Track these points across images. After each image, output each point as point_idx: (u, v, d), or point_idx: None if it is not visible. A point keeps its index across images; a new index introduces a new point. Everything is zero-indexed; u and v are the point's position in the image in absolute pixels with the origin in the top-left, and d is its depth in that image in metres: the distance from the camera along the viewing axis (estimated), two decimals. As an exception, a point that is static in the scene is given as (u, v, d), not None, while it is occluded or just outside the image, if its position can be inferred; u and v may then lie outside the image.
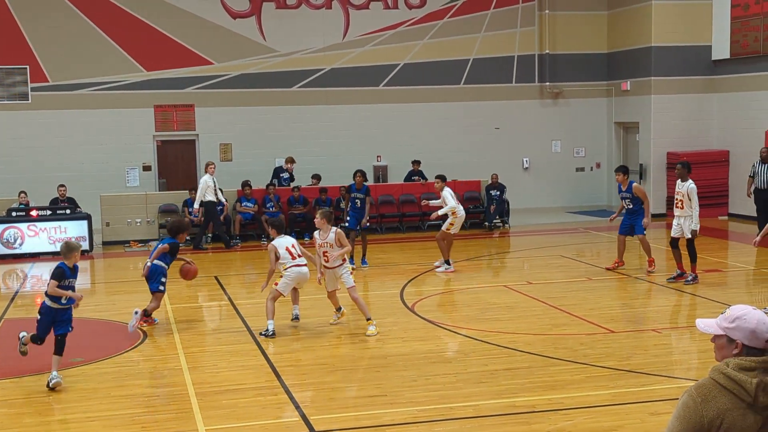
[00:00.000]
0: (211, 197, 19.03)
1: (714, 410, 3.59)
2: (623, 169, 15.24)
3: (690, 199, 13.68)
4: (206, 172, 19.36)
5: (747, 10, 21.34)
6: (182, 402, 8.59)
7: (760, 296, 12.94)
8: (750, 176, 19.18)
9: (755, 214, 18.99)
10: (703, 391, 3.65)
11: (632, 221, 14.93)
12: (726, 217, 21.98)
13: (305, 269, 11.27)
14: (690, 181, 13.79)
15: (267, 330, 11.06)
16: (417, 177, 22.08)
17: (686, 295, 13.20)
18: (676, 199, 13.99)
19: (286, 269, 11.14)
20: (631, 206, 14.93)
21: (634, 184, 14.96)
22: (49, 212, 18.98)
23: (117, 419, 8.14)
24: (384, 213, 21.40)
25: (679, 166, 14.08)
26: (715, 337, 3.76)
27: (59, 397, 8.91)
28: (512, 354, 10.08)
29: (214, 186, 19.14)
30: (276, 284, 11.23)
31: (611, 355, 9.89)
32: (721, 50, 22.31)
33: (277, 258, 11.14)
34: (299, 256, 11.24)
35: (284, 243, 11.23)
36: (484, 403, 8.38)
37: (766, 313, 3.76)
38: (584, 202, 24.41)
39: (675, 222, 14.01)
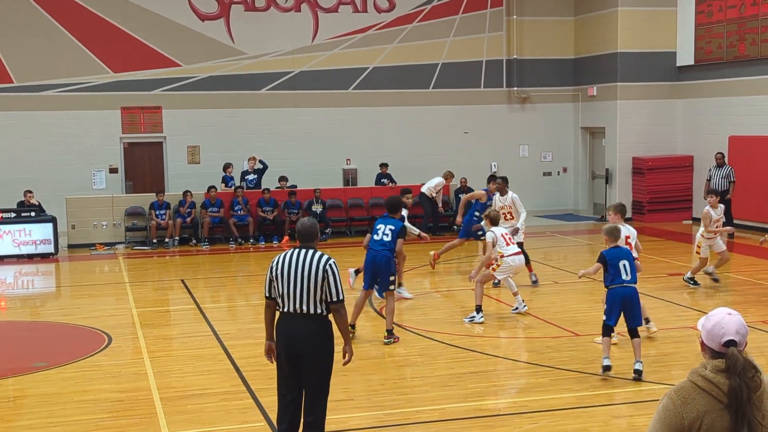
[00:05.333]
0: None
1: (694, 412, 3.68)
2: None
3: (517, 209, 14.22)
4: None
5: (711, 17, 21.62)
6: (147, 407, 8.53)
7: (718, 299, 13.10)
8: (707, 180, 19.74)
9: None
10: (683, 393, 3.74)
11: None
12: (690, 221, 22.24)
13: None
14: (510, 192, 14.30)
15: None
16: (386, 180, 22.11)
17: (650, 298, 13.33)
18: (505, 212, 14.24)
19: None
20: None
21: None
22: (13, 215, 18.77)
23: (80, 424, 8.07)
24: (354, 216, 21.39)
25: (500, 181, 14.54)
26: None
27: (22, 402, 8.82)
28: (479, 357, 10.13)
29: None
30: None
31: (576, 359, 9.97)
32: (686, 57, 22.58)
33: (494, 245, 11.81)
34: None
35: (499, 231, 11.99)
36: (450, 407, 8.42)
37: None
38: (551, 206, 24.58)
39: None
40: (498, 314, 12.42)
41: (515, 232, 14.09)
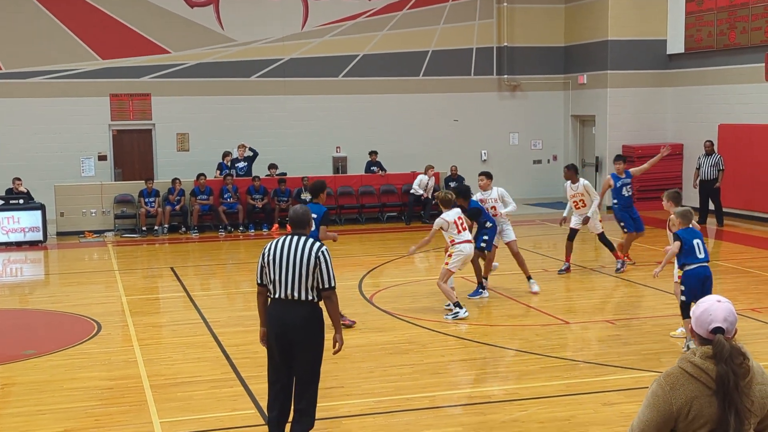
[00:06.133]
0: None
1: (682, 398, 3.70)
2: (622, 158, 15.09)
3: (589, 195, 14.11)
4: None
5: (701, 5, 21.62)
6: (136, 394, 8.51)
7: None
8: (696, 168, 19.80)
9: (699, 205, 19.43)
10: (672, 379, 3.76)
11: (631, 214, 14.67)
12: (680, 210, 22.24)
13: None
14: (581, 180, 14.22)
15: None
16: (376, 168, 22.09)
17: (640, 286, 13.38)
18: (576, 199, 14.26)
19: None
20: (631, 192, 14.76)
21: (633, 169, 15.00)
22: (2, 202, 18.68)
23: (70, 412, 8.05)
24: (343, 204, 21.37)
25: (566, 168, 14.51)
26: None
27: (10, 390, 8.79)
28: (468, 345, 10.15)
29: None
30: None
31: (566, 346, 9.99)
32: (676, 45, 22.59)
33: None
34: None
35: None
36: (440, 394, 8.43)
37: None
38: (541, 194, 24.60)
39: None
40: (488, 303, 12.42)
41: (586, 221, 14.07)
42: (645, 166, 15.27)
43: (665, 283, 13.46)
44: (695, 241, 9.47)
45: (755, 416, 3.81)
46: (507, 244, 12.96)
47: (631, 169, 15.02)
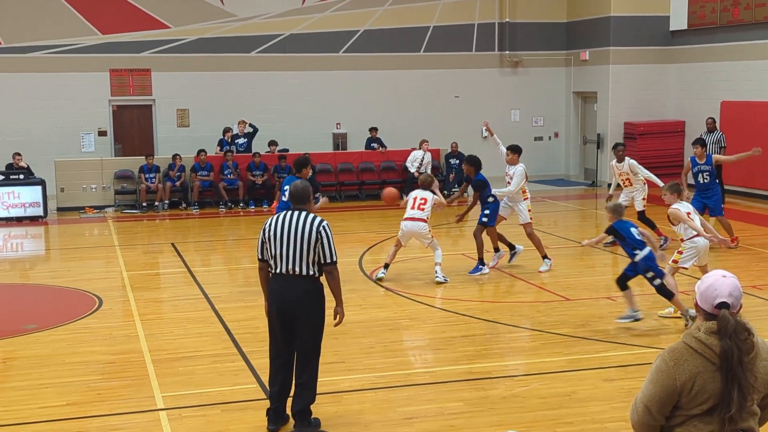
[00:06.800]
0: None
1: (686, 373, 3.71)
2: (701, 142, 14.65)
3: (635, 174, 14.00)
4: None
5: (705, -19, 21.47)
6: (138, 369, 8.54)
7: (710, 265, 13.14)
8: None
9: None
10: (676, 354, 3.77)
11: (705, 199, 14.23)
12: (681, 187, 22.22)
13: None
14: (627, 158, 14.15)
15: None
16: (376, 144, 22.04)
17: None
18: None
19: None
20: (708, 180, 14.25)
21: (715, 155, 14.78)
22: (2, 177, 18.65)
23: (72, 386, 8.07)
24: (343, 181, 21.33)
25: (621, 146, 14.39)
26: None
27: (13, 364, 8.81)
28: (469, 321, 10.16)
29: None
30: None
31: (566, 323, 10.00)
32: (679, 21, 22.46)
33: None
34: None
35: None
36: (440, 370, 8.45)
37: None
38: (542, 171, 24.54)
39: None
40: (489, 279, 12.43)
41: (630, 199, 13.99)
42: (731, 158, 15.09)
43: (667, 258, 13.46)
44: (632, 230, 9.73)
45: (758, 392, 3.82)
46: (522, 225, 12.94)
47: (714, 155, 14.76)
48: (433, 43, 23.68)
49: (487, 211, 12.50)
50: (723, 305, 3.77)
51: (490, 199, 12.49)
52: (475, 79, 24.10)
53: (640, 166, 14.15)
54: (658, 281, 9.61)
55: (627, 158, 14.15)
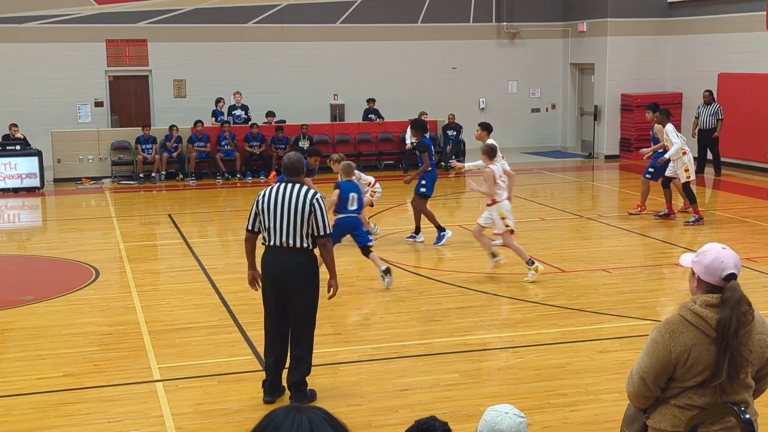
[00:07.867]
0: None
1: (681, 345, 3.74)
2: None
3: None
4: None
5: (704, -48, 21.33)
6: (135, 340, 8.58)
7: (704, 237, 13.19)
8: (695, 117, 19.77)
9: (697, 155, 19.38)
10: (671, 327, 3.80)
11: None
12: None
13: None
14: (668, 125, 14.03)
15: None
16: (373, 116, 21.98)
17: (636, 235, 13.42)
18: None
19: None
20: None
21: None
22: (-2, 148, 18.62)
23: (69, 357, 8.12)
24: (341, 152, 21.25)
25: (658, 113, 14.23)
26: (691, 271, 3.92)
27: (10, 335, 8.85)
28: (465, 293, 10.20)
29: None
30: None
31: (562, 294, 10.05)
32: (678, -8, 22.34)
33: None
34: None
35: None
36: (436, 341, 8.50)
37: None
38: (539, 142, 24.54)
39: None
40: (484, 252, 12.45)
41: (665, 163, 13.86)
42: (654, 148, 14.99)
43: (662, 232, 13.51)
44: (351, 194, 10.35)
45: (752, 365, 3.85)
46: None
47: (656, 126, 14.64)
48: (431, 14, 23.54)
49: (423, 182, 12.64)
50: (731, 276, 3.80)
51: (429, 169, 12.57)
52: (473, 50, 23.99)
53: (675, 135, 13.78)
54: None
55: (668, 125, 14.03)
